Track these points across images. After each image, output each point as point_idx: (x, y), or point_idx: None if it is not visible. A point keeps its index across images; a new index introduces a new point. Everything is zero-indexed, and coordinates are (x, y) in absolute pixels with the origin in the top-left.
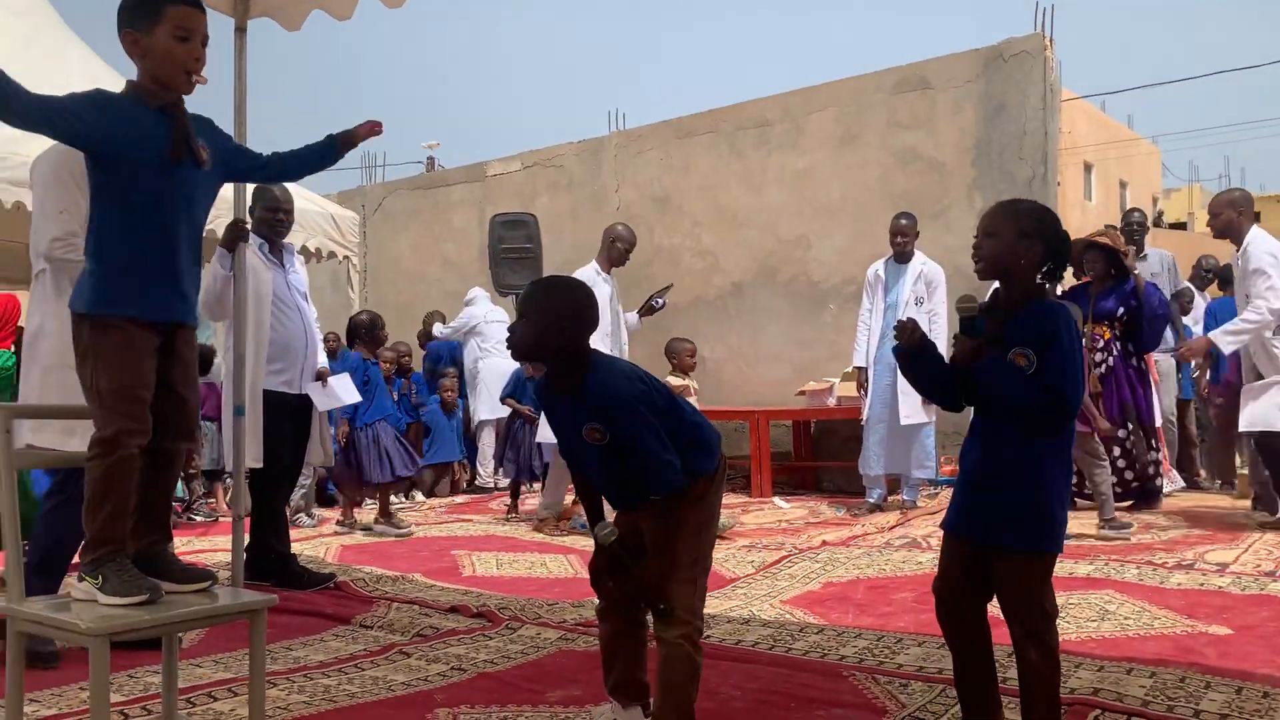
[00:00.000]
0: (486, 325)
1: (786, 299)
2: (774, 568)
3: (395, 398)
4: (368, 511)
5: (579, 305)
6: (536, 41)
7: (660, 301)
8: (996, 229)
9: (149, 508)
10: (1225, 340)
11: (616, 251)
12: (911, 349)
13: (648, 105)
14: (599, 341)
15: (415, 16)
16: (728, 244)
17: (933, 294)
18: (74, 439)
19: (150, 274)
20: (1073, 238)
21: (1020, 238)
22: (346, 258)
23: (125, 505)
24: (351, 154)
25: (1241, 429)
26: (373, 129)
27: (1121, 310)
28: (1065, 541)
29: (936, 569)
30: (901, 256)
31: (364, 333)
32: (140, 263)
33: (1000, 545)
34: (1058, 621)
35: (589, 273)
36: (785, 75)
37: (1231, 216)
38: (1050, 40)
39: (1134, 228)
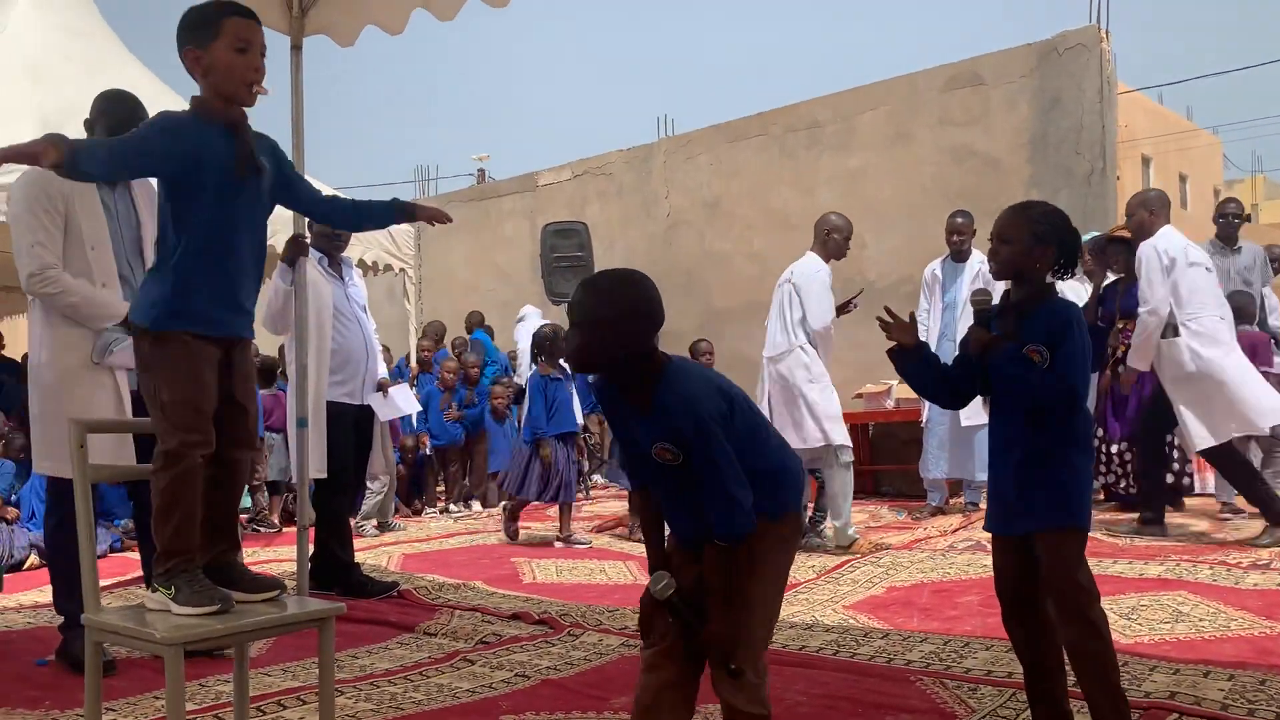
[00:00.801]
0: None
1: (841, 300)
2: (835, 572)
3: (458, 410)
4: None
5: (640, 300)
6: (584, 50)
7: (855, 304)
8: (1011, 234)
9: (216, 518)
10: (1136, 361)
11: (834, 243)
12: (905, 347)
13: (697, 110)
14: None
15: (463, 30)
16: (780, 247)
17: (993, 293)
18: (125, 450)
19: (212, 290)
20: (1113, 234)
21: (1035, 242)
22: (403, 270)
23: (193, 515)
24: (404, 168)
25: (1196, 450)
26: (439, 217)
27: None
28: (1136, 541)
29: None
30: (959, 255)
31: (548, 346)
32: (204, 279)
33: (1032, 531)
34: (1129, 623)
35: (816, 266)
36: (835, 75)
37: (1143, 216)
38: (1106, 32)
39: (1230, 220)
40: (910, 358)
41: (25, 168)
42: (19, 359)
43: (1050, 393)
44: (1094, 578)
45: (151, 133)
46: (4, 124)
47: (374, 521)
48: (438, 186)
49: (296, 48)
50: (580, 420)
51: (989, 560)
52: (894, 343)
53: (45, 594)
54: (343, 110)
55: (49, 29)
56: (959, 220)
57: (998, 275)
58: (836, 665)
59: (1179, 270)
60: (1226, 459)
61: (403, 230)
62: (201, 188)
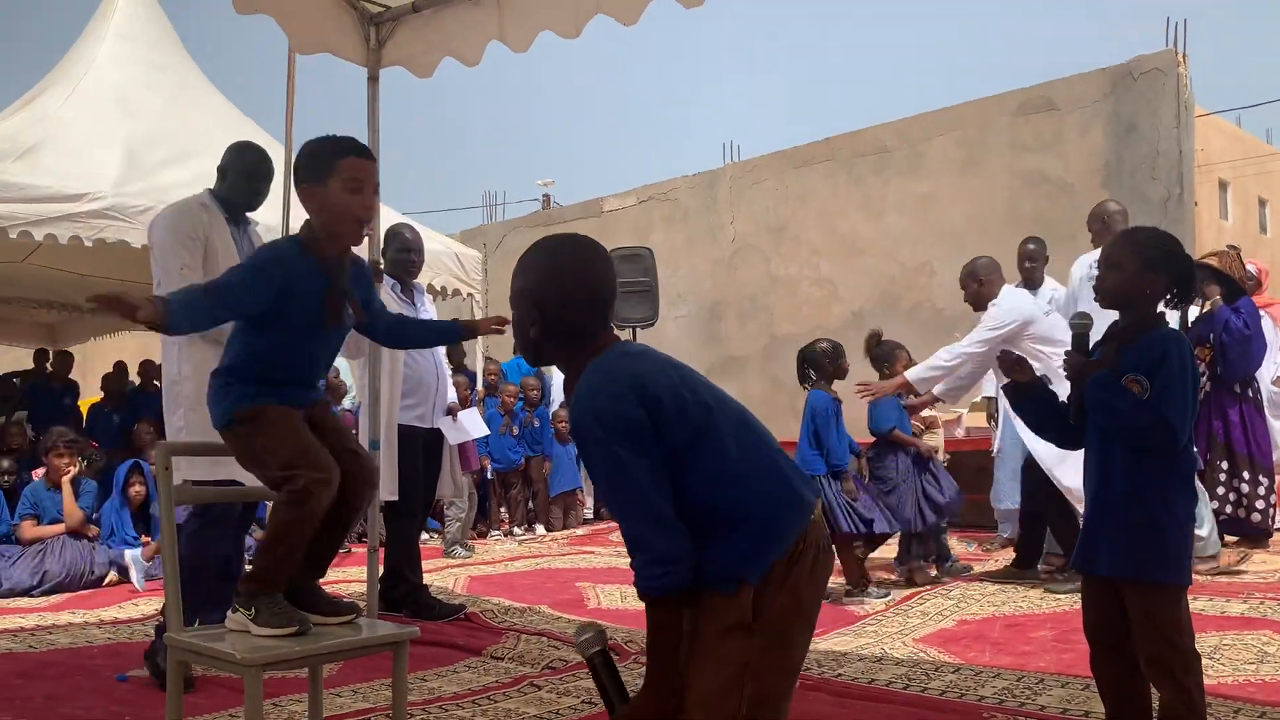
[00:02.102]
0: None
1: (910, 327)
2: (904, 604)
3: (516, 432)
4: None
5: (554, 269)
6: (650, 78)
7: None
8: (1119, 261)
9: (320, 550)
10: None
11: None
12: (1019, 384)
13: (763, 136)
14: None
15: (530, 58)
16: (847, 272)
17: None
18: (219, 468)
19: (284, 393)
20: (1200, 261)
21: (1144, 269)
22: (470, 294)
23: (298, 553)
24: (473, 194)
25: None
26: (497, 324)
27: (1211, 335)
28: (1219, 578)
29: (1078, 606)
30: (1030, 282)
31: (827, 363)
32: (279, 384)
33: (1123, 578)
34: (1211, 662)
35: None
36: (903, 101)
37: (974, 288)
38: (1183, 56)
39: None
40: (1027, 394)
41: (170, 203)
42: (100, 378)
43: (1141, 424)
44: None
45: (250, 275)
46: (94, 151)
47: (460, 545)
48: (504, 212)
49: (374, 79)
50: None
51: (1063, 594)
52: (1010, 379)
53: (125, 610)
54: (415, 138)
55: (135, 62)
56: (1031, 247)
57: (1105, 303)
58: (907, 700)
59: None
60: None
61: (471, 255)
62: (286, 319)
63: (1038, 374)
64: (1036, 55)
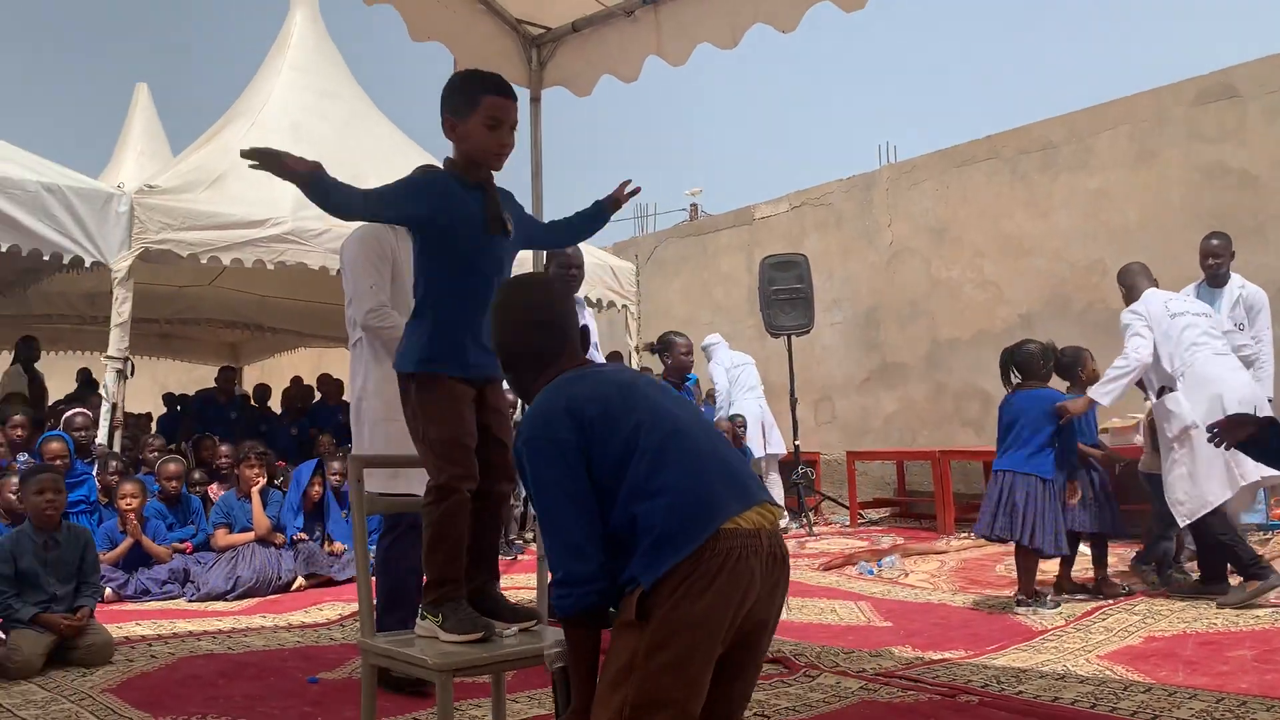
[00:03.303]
0: (735, 370)
1: (1082, 329)
2: (1086, 619)
3: None
4: None
5: (500, 308)
6: (800, 82)
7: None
8: None
9: (480, 549)
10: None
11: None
12: (1242, 442)
13: (919, 137)
14: None
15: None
16: (1013, 274)
17: (1255, 319)
18: (398, 481)
19: (464, 335)
20: None
21: None
22: (625, 306)
23: (460, 546)
24: (625, 207)
25: (1194, 517)
26: (629, 190)
27: None
28: None
29: (1279, 624)
30: (1215, 279)
31: (1040, 365)
32: (459, 324)
33: None
34: None
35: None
36: (1068, 95)
37: (1124, 293)
38: None
39: None
40: (1260, 444)
41: (360, 225)
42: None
43: None
44: None
45: (404, 189)
46: (274, 179)
47: None
48: (655, 223)
49: (535, 100)
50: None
51: (1263, 611)
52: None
53: (311, 615)
54: (568, 153)
55: (308, 91)
56: (1214, 242)
57: None
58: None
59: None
60: None
61: (625, 267)
62: (453, 241)
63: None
64: (1214, 40)
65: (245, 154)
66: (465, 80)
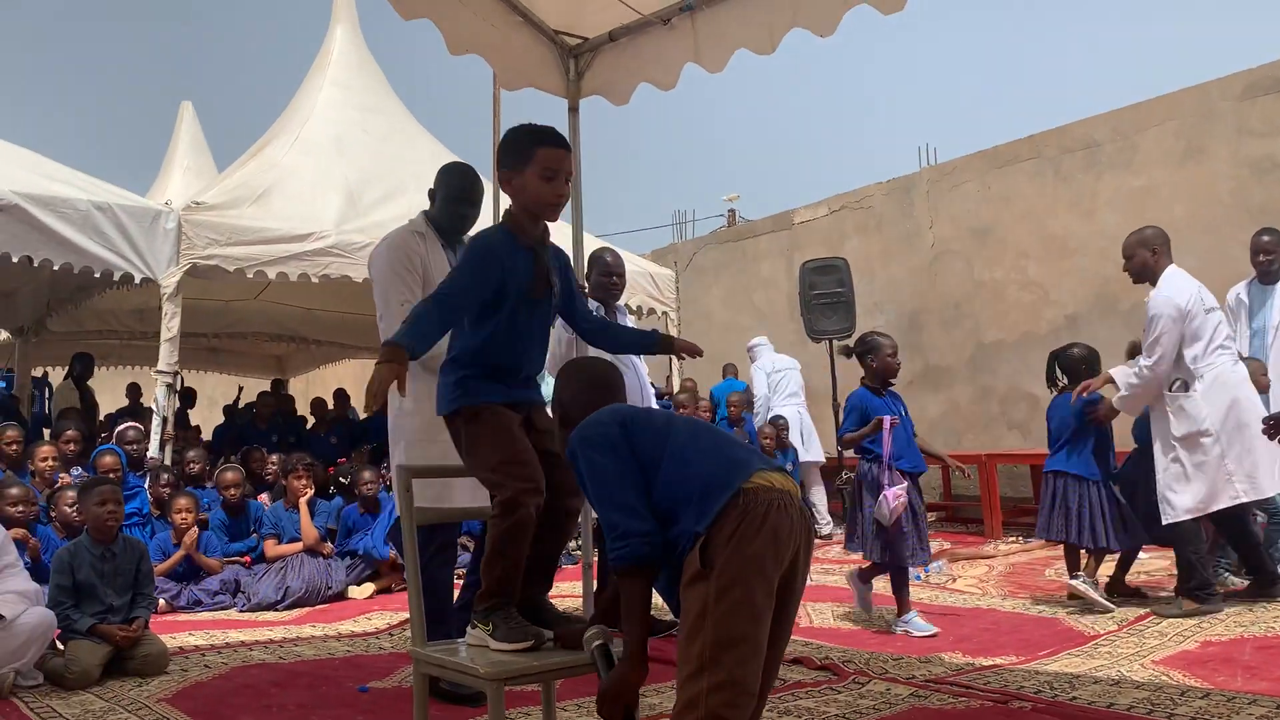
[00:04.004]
0: (776, 376)
1: (1130, 329)
2: (1139, 624)
3: None
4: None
5: (568, 380)
6: (837, 85)
7: None
8: None
9: (541, 562)
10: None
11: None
12: None
13: (960, 137)
14: None
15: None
16: (1058, 274)
17: None
18: (443, 500)
19: (507, 380)
20: None
21: None
22: (665, 313)
23: (520, 562)
24: (663, 213)
25: (1179, 517)
26: (692, 350)
27: None
28: None
29: None
30: (1267, 276)
31: (1084, 369)
32: (499, 373)
33: None
34: None
35: None
36: (1111, 92)
37: (1145, 257)
38: None
39: None
40: None
41: (388, 233)
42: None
43: None
44: None
45: (466, 276)
46: (317, 193)
47: None
48: (694, 229)
49: (574, 110)
50: None
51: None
52: None
53: (360, 624)
54: (606, 161)
55: (349, 107)
56: (1265, 239)
57: None
58: None
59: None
60: None
61: (664, 274)
62: (502, 302)
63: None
64: (1263, 31)
65: (367, 410)
66: (518, 134)
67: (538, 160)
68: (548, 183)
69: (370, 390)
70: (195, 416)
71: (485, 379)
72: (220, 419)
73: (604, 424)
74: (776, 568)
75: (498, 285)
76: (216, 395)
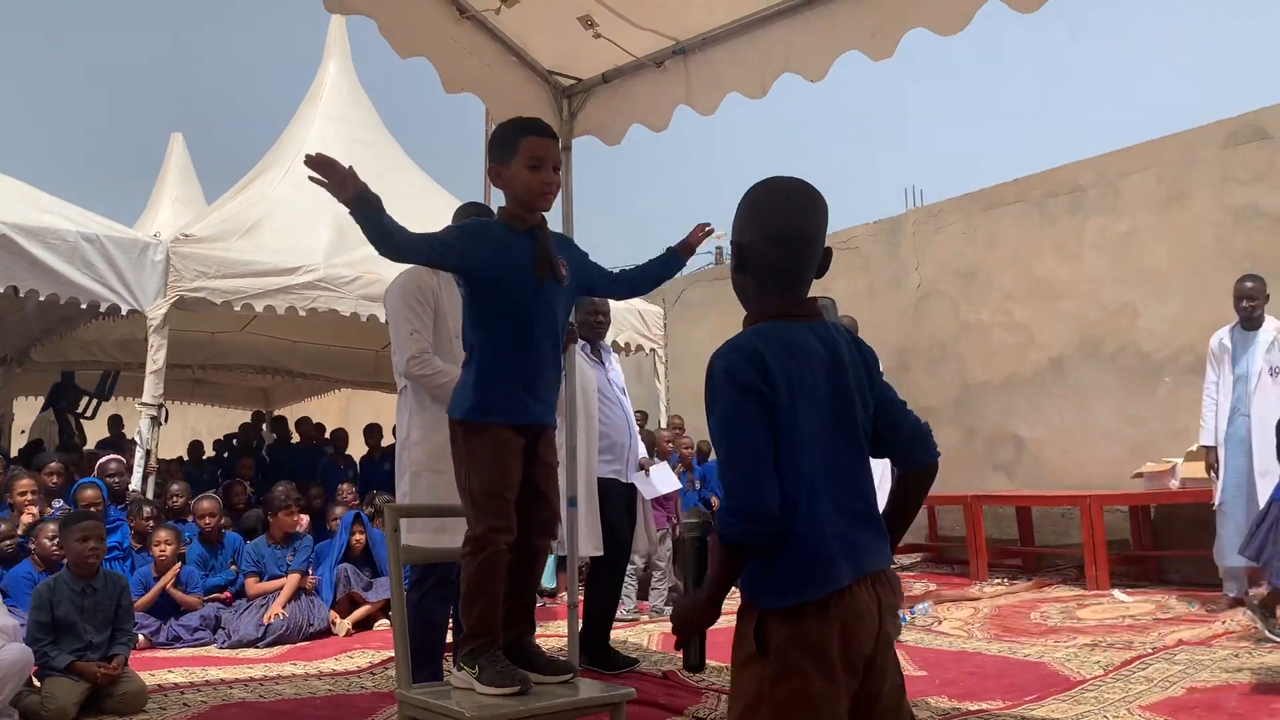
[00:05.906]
0: None
1: (1114, 373)
2: (1124, 669)
3: (697, 485)
4: None
5: (753, 203)
6: (825, 127)
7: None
8: None
9: (517, 601)
10: None
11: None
12: None
13: (946, 180)
14: None
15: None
16: (1043, 317)
17: None
18: (444, 536)
19: (519, 384)
20: None
21: None
22: (653, 350)
23: (497, 598)
24: (649, 248)
25: None
26: (704, 231)
27: None
28: None
29: None
30: (1249, 322)
31: None
32: (510, 372)
33: None
34: None
35: None
36: (1096, 138)
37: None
38: None
39: None
40: None
41: (398, 269)
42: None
43: None
44: None
45: (457, 235)
46: (306, 227)
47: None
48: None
49: (566, 149)
50: None
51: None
52: None
53: (341, 663)
54: (597, 197)
55: (340, 140)
56: (1248, 285)
57: None
58: None
59: None
60: None
61: (652, 311)
62: (503, 290)
63: None
64: (1244, 81)
65: (309, 161)
66: (504, 127)
67: (524, 149)
68: (535, 172)
69: (332, 167)
70: (174, 449)
71: (501, 387)
72: (201, 450)
73: (764, 365)
74: (845, 657)
75: (490, 261)
76: (200, 427)
